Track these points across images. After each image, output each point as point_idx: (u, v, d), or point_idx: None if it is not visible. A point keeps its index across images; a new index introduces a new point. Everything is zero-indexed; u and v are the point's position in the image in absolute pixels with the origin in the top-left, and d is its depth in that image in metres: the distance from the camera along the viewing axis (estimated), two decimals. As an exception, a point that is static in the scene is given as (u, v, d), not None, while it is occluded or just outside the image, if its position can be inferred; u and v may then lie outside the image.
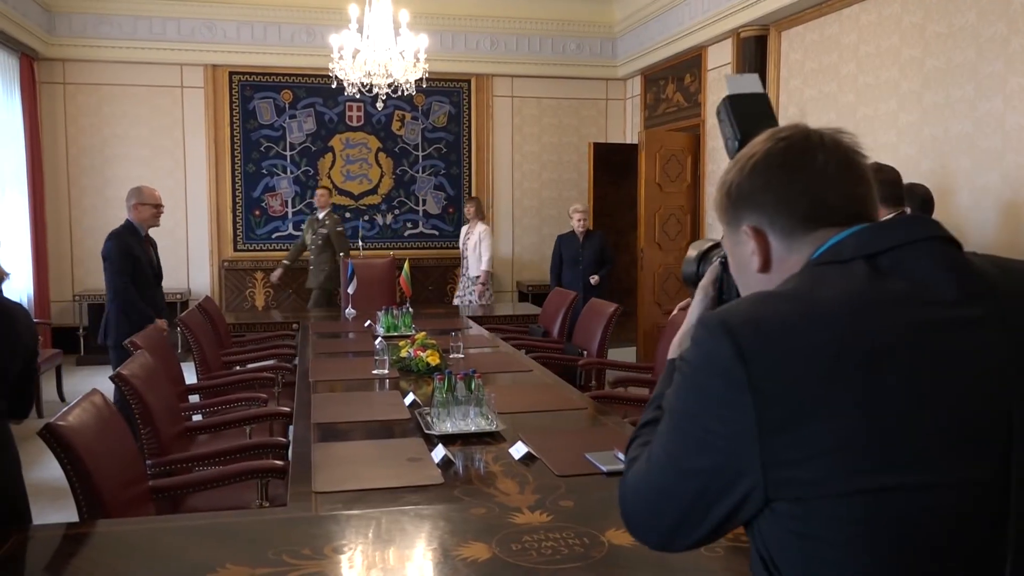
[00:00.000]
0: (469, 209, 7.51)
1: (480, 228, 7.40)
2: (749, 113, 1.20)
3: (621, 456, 2.40)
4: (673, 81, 8.01)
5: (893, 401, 0.82)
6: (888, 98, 5.20)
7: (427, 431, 2.72)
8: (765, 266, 1.00)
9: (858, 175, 0.98)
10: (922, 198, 4.21)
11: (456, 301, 7.56)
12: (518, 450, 2.50)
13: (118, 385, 2.79)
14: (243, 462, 2.69)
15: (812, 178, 0.96)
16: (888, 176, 3.51)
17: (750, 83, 1.32)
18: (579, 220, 6.88)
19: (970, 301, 0.87)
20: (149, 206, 4.92)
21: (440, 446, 2.51)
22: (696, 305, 1.21)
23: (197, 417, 3.72)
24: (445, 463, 2.42)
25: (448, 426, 2.74)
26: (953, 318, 0.86)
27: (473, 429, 2.73)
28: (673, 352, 1.17)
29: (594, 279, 6.77)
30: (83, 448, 2.09)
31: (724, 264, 1.19)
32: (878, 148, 5.22)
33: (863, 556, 0.83)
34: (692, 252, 1.33)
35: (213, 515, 2.23)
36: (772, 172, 0.98)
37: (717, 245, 1.29)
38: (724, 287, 1.20)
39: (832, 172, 0.96)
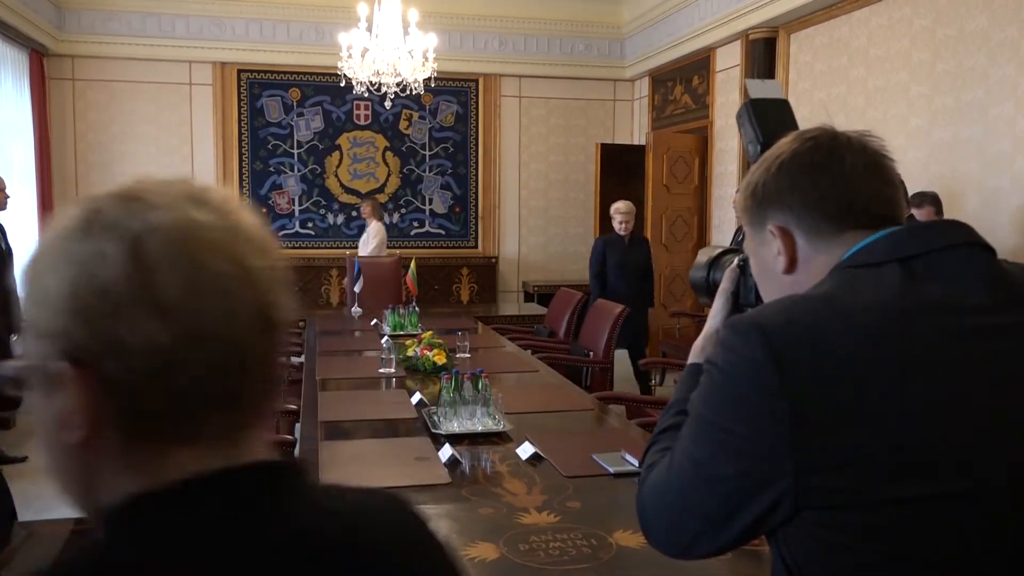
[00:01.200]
0: (365, 209, 7.53)
1: (371, 227, 7.40)
2: (771, 117, 1.20)
3: (628, 457, 2.40)
4: (681, 82, 7.99)
5: (925, 410, 0.81)
6: (898, 101, 5.19)
7: (434, 430, 2.72)
8: (791, 266, 0.99)
9: (886, 177, 0.98)
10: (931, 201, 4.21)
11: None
12: (525, 450, 2.50)
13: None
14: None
15: (840, 178, 0.96)
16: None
17: (772, 88, 1.32)
18: (620, 222, 6.02)
19: (1004, 308, 0.86)
20: None
21: (447, 445, 2.51)
22: (717, 311, 1.20)
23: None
24: (452, 462, 2.42)
25: (455, 425, 2.74)
26: (987, 325, 0.85)
27: (480, 429, 2.73)
28: (695, 357, 1.16)
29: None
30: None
31: (742, 268, 1.18)
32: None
33: (889, 566, 0.82)
34: (702, 258, 1.31)
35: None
36: (799, 171, 0.97)
37: (728, 251, 1.28)
38: (740, 292, 1.18)
39: (860, 173, 0.96)
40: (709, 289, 1.27)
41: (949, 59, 4.77)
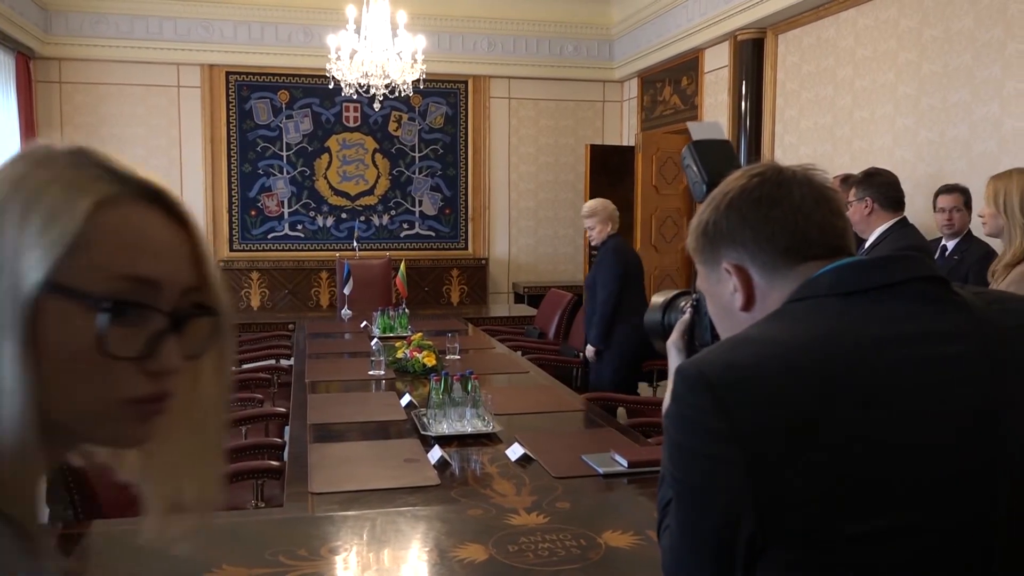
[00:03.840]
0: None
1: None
2: (714, 157, 1.23)
3: (618, 458, 2.40)
4: (670, 83, 8.01)
5: (873, 445, 0.80)
6: (884, 102, 5.21)
7: (423, 432, 2.72)
8: (748, 303, 0.99)
9: (834, 208, 0.99)
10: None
11: None
12: (514, 451, 2.50)
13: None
14: (239, 463, 2.68)
15: (790, 212, 0.96)
16: (886, 179, 3.52)
17: (714, 130, 1.35)
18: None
19: (950, 338, 0.86)
20: None
21: (436, 447, 2.51)
22: (672, 363, 1.20)
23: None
24: (441, 464, 2.42)
25: (444, 427, 2.74)
26: (932, 356, 0.85)
27: (469, 430, 2.73)
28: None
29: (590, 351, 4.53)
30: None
31: (696, 309, 1.19)
32: (874, 151, 5.23)
33: None
34: (657, 300, 1.31)
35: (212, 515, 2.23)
36: (749, 207, 0.98)
37: (683, 293, 1.28)
38: (696, 332, 1.19)
39: (809, 205, 0.96)
40: (664, 332, 1.26)
41: (935, 59, 4.80)
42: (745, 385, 0.83)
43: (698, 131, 1.29)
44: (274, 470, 2.62)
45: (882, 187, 3.46)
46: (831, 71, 5.72)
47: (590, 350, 4.48)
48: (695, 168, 1.22)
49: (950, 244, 3.99)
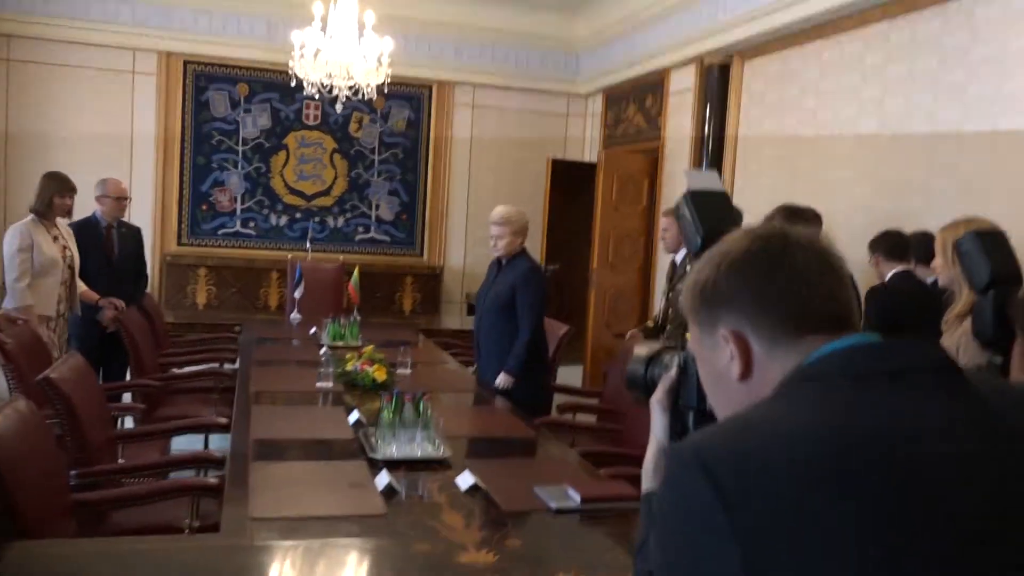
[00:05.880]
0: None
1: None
2: (711, 210, 1.18)
3: (571, 492, 2.34)
4: (635, 102, 8.01)
5: (884, 550, 0.74)
6: (846, 136, 5.25)
7: (371, 454, 2.62)
8: (745, 373, 0.93)
9: (839, 277, 0.94)
10: (807, 221, 4.23)
11: None
12: (464, 480, 2.42)
13: (46, 390, 2.63)
14: (175, 478, 2.55)
15: (793, 278, 0.91)
16: (892, 229, 3.57)
17: (710, 180, 1.30)
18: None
19: (967, 435, 0.81)
20: (109, 199, 4.93)
21: (384, 472, 2.41)
22: (656, 423, 1.15)
23: (128, 422, 3.56)
24: (388, 491, 2.32)
25: (393, 450, 2.65)
26: (946, 455, 0.79)
27: (419, 455, 2.64)
28: (646, 482, 1.12)
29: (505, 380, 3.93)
30: (4, 463, 1.95)
31: (683, 369, 1.13)
32: (834, 184, 5.27)
33: None
34: (640, 351, 1.24)
35: (142, 540, 2.11)
36: (751, 271, 0.93)
37: (667, 348, 1.22)
38: (681, 392, 1.13)
39: (813, 272, 0.92)
40: (647, 387, 1.20)
41: (898, 96, 4.85)
42: (750, 478, 0.76)
43: (695, 180, 1.23)
44: (211, 488, 2.50)
45: (888, 236, 3.51)
46: (795, 101, 5.76)
47: (506, 379, 3.89)
48: (691, 219, 1.17)
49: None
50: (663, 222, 4.61)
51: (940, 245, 2.70)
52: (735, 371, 0.93)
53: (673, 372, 1.14)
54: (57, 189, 4.46)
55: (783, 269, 0.92)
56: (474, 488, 2.39)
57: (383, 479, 2.36)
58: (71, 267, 4.54)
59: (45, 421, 2.35)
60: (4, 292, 4.71)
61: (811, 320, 0.90)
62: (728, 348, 0.94)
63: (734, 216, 1.18)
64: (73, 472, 2.60)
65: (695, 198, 1.18)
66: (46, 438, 2.24)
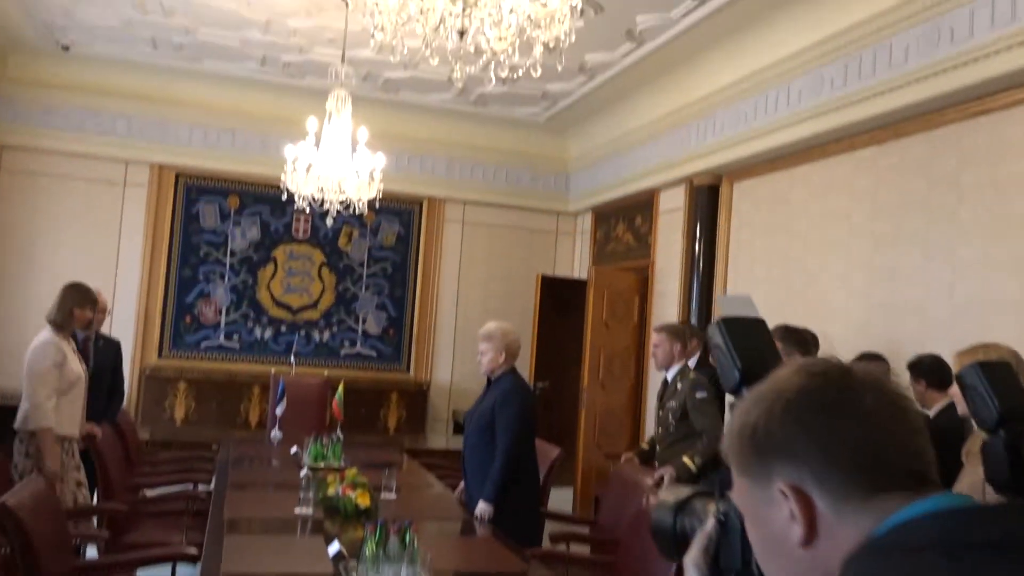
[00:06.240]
0: None
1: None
2: (749, 341, 1.06)
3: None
4: (624, 220, 8.06)
5: None
6: (837, 257, 5.24)
7: (352, 594, 2.41)
8: (809, 537, 0.79)
9: (913, 423, 0.82)
10: (806, 344, 4.14)
11: None
12: (454, 625, 2.21)
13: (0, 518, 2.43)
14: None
15: (863, 425, 0.79)
16: (933, 355, 3.49)
17: (745, 306, 1.20)
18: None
19: None
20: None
21: (366, 615, 2.21)
22: None
23: (91, 551, 3.32)
24: (370, 638, 2.11)
25: (376, 588, 2.44)
26: None
27: (404, 594, 2.43)
28: None
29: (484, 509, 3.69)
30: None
31: (723, 524, 0.98)
32: (827, 305, 5.21)
33: None
34: (668, 498, 1.09)
35: None
36: (812, 415, 0.81)
37: (700, 494, 1.07)
38: (722, 554, 0.97)
39: (885, 418, 0.80)
40: (676, 541, 1.04)
41: (889, 221, 4.86)
42: None
43: (729, 306, 1.12)
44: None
45: (928, 363, 3.41)
46: (785, 222, 5.77)
47: (484, 507, 3.65)
48: (726, 350, 1.04)
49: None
50: (654, 338, 4.52)
51: (958, 373, 2.59)
52: (796, 535, 0.80)
53: (709, 526, 0.99)
54: (78, 301, 4.23)
55: (850, 413, 0.80)
56: (464, 635, 2.18)
57: (364, 624, 2.16)
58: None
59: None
60: None
61: (886, 475, 0.78)
62: (787, 506, 0.80)
63: (774, 348, 1.06)
64: (24, 611, 2.38)
65: (730, 326, 1.06)
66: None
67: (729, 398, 3.11)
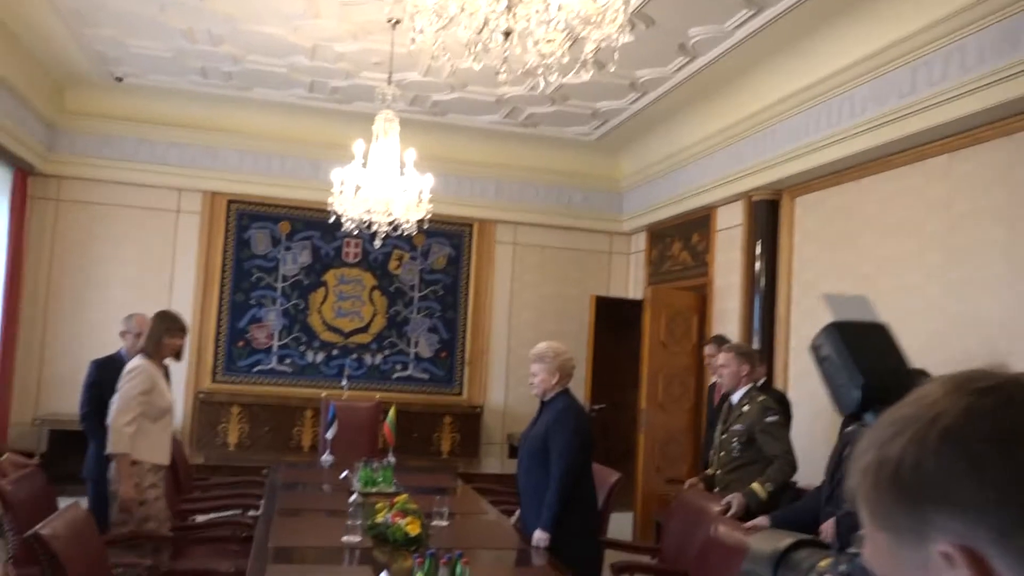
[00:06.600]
0: None
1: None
2: (870, 350, 0.83)
3: None
4: (680, 239, 7.85)
5: None
6: (910, 271, 4.96)
7: (400, 630, 2.25)
8: None
9: None
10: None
11: None
12: (509, 666, 2.04)
13: (35, 548, 2.33)
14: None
15: None
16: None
17: (860, 308, 0.96)
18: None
19: None
20: (131, 334, 4.71)
21: (414, 655, 2.05)
22: None
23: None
24: None
25: (426, 625, 2.28)
26: None
27: (456, 631, 2.27)
28: None
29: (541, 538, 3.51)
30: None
31: None
32: (903, 321, 4.91)
33: None
34: (762, 548, 0.87)
35: None
36: (988, 447, 0.60)
37: (804, 544, 0.85)
38: None
39: None
40: None
41: (966, 231, 4.58)
42: None
43: (841, 308, 0.91)
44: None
45: None
46: (852, 236, 5.51)
47: (541, 536, 3.46)
48: (841, 365, 0.82)
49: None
50: (721, 359, 4.30)
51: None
52: None
53: None
54: (167, 329, 4.19)
55: None
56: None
57: (412, 664, 2.00)
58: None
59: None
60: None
61: None
62: (951, 575, 0.59)
63: (902, 358, 0.85)
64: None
65: (845, 333, 0.84)
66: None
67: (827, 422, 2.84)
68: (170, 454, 4.20)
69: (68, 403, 6.21)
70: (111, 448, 3.92)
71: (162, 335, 4.14)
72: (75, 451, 4.82)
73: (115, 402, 3.96)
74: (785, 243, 6.22)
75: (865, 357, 0.80)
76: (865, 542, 0.66)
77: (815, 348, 0.85)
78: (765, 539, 0.85)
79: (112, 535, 3.61)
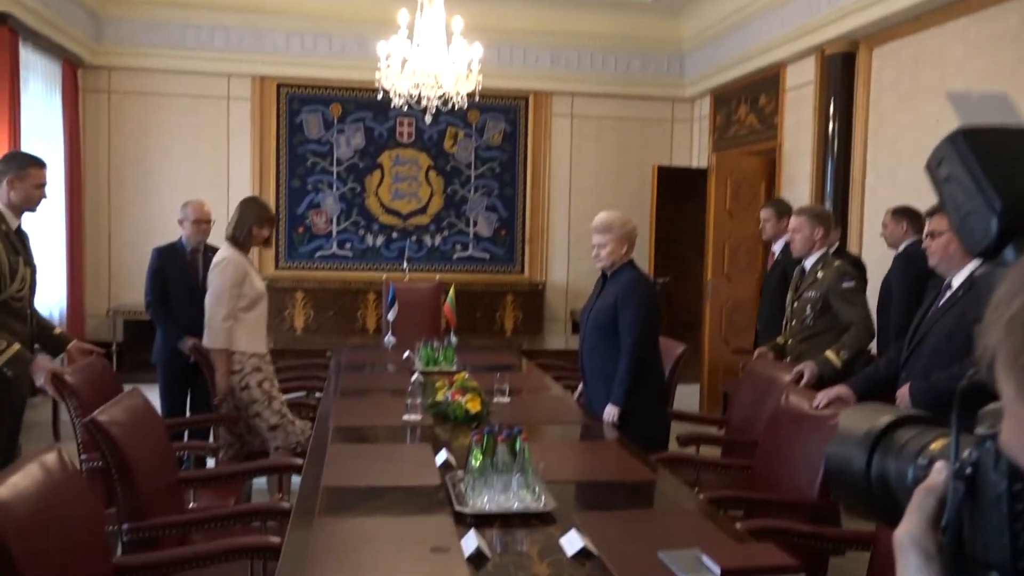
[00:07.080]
0: None
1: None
2: (1007, 163, 0.62)
3: (707, 561, 1.85)
4: (746, 102, 7.43)
5: None
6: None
7: (458, 508, 2.20)
8: None
9: None
10: None
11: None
12: (571, 542, 1.97)
13: (93, 434, 2.33)
14: (233, 535, 2.20)
15: None
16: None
17: (999, 108, 0.73)
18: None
19: None
20: (188, 222, 4.66)
21: (472, 532, 1.99)
22: (908, 555, 0.58)
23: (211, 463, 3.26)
24: (477, 557, 1.90)
25: (485, 501, 2.22)
26: None
27: (516, 507, 2.20)
28: None
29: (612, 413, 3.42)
30: (16, 535, 1.62)
31: (970, 480, 0.54)
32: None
33: None
34: (857, 427, 0.67)
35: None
36: None
37: (910, 421, 0.66)
38: (972, 531, 0.54)
39: None
40: (872, 494, 0.65)
41: (1066, 72, 4.16)
42: None
43: (970, 110, 0.69)
44: (271, 548, 2.13)
45: None
46: (935, 86, 5.09)
47: (612, 411, 3.40)
48: (970, 182, 0.61)
49: (955, 280, 2.91)
50: (793, 222, 4.06)
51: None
52: None
53: (941, 481, 0.57)
54: (257, 218, 4.01)
55: None
56: (583, 553, 1.94)
57: (471, 542, 1.94)
58: None
59: (79, 475, 2.04)
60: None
61: None
62: None
63: None
64: (125, 526, 2.29)
65: (976, 144, 0.62)
66: (76, 500, 1.92)
67: (963, 270, 2.57)
68: (267, 340, 4.17)
69: (138, 293, 6.32)
70: (207, 342, 3.91)
71: (251, 224, 3.99)
72: (149, 340, 4.89)
73: (208, 297, 3.92)
74: (861, 99, 5.80)
75: (1004, 173, 0.60)
76: (1004, 419, 0.50)
77: (933, 166, 0.65)
78: (858, 416, 0.67)
79: (173, 420, 3.67)
